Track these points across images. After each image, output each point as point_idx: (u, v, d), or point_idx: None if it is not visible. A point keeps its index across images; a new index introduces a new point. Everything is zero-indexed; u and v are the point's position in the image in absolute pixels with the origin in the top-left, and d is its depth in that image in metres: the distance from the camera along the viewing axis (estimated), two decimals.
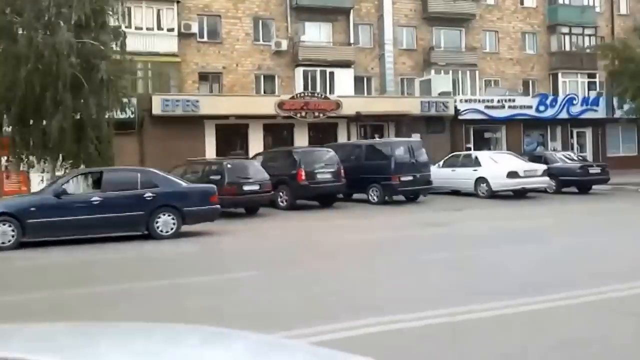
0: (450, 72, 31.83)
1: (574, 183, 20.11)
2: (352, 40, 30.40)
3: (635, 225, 13.35)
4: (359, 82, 30.76)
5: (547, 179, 19.10)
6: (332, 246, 10.97)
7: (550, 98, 28.87)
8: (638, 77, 22.01)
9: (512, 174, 18.46)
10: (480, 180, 19.04)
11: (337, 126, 25.72)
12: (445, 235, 12.17)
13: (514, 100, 27.96)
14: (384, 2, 30.67)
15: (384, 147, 18.32)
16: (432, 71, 31.51)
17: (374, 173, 17.95)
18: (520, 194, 19.50)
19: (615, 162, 30.82)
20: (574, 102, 29.36)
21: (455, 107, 26.80)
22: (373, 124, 26.60)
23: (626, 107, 23.73)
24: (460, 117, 26.86)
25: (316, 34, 30.40)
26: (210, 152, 23.58)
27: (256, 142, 24.17)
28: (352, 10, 30.33)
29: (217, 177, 15.62)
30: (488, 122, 27.81)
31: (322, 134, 24.89)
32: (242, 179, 15.66)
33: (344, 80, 29.49)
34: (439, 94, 27.27)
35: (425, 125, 26.77)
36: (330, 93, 28.55)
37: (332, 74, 29.45)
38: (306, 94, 24.88)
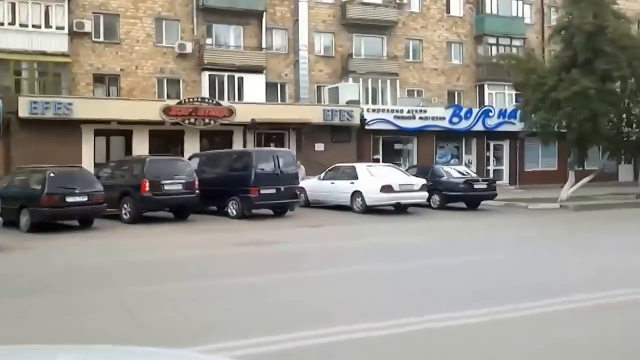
0: (369, 80, 30.72)
1: (458, 198, 18.90)
2: (264, 45, 29.06)
3: (502, 242, 12.15)
4: (272, 89, 29.41)
5: (425, 193, 17.83)
6: (96, 270, 9.40)
7: (465, 110, 27.74)
8: (539, 89, 20.90)
9: (386, 188, 17.15)
10: (356, 194, 17.71)
11: (232, 134, 24.20)
12: (270, 255, 10.86)
13: (425, 111, 26.76)
14: (299, 6, 29.40)
15: (245, 157, 16.85)
16: (350, 79, 30.35)
17: (233, 185, 16.51)
18: (401, 209, 18.26)
19: (534, 176, 29.92)
20: (490, 114, 28.28)
21: (362, 117, 25.50)
22: (273, 132, 25.16)
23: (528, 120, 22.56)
24: (367, 127, 25.56)
25: (225, 37, 29.01)
26: (89, 158, 21.91)
27: (141, 149, 22.54)
28: (265, 14, 29.01)
29: (38, 187, 14.04)
30: (398, 133, 26.55)
31: (216, 141, 23.39)
32: (66, 189, 14.05)
33: (254, 87, 28.09)
34: (347, 103, 25.98)
35: (330, 134, 25.42)
36: (239, 99, 27.24)
37: (241, 79, 28.05)
38: (195, 100, 23.32)
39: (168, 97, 26.67)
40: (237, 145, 23.93)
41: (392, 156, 26.82)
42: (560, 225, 15.80)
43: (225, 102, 23.83)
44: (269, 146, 23.42)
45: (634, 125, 23.12)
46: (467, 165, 28.44)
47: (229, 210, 16.71)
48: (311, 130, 24.69)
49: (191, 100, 23.10)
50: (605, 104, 19.93)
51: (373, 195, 17.28)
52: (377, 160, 26.07)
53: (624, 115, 23.41)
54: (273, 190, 16.45)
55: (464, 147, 28.32)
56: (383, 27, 31.46)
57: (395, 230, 14.84)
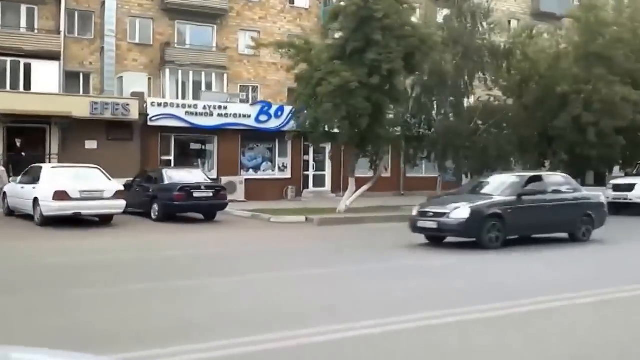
0: (191, 73, 27.61)
1: (176, 208, 15.74)
2: (62, 28, 25.61)
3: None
4: (73, 79, 26.10)
5: (121, 202, 14.65)
6: None
7: (275, 107, 24.65)
8: (313, 83, 17.93)
9: (60, 195, 13.92)
10: (36, 201, 14.44)
11: None
12: None
13: (226, 108, 23.59)
14: None
15: None
16: (167, 70, 27.22)
17: None
18: (105, 221, 15.09)
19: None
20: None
21: (144, 112, 22.21)
22: (29, 126, 21.59)
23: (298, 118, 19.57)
24: (151, 124, 22.28)
25: (15, 18, 25.48)
26: None
27: None
28: None
29: None
30: (194, 131, 23.33)
31: None
32: None
33: (45, 75, 24.64)
34: (132, 95, 22.70)
35: (105, 130, 22.08)
36: (25, 88, 23.86)
37: (28, 65, 24.59)
38: None
39: None
40: None
41: (188, 158, 23.66)
42: (266, 244, 12.77)
43: None
44: (15, 143, 19.94)
45: (432, 127, 20.45)
46: (282, 169, 25.56)
47: None
48: (78, 125, 21.29)
49: None
50: (368, 102, 17.02)
51: (47, 204, 14.03)
52: (168, 162, 22.87)
53: (424, 117, 20.78)
54: None
55: (278, 150, 25.24)
56: (212, 16, 28.34)
57: (27, 252, 11.56)
